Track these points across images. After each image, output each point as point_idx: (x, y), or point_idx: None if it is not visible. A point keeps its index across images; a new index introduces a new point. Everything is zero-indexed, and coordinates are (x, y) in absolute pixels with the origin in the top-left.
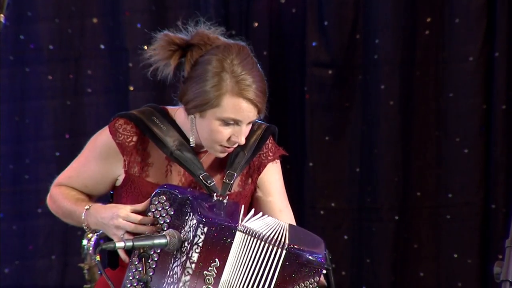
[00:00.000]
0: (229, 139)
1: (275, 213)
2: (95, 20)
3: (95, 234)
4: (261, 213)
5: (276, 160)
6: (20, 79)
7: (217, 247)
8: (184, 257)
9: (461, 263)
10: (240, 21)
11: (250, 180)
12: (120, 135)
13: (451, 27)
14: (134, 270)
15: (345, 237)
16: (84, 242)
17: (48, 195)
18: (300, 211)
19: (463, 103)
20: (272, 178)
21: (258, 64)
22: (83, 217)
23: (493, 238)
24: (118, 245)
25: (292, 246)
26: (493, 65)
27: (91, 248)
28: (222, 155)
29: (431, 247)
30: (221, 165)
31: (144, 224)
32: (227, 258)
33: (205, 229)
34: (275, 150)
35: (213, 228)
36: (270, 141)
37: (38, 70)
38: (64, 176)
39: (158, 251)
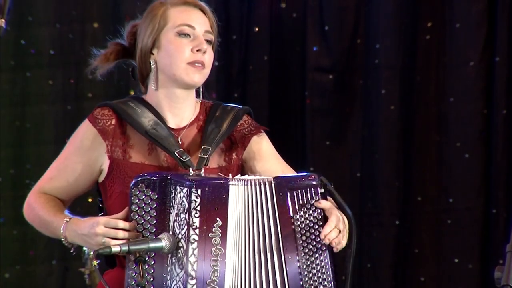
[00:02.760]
0: (191, 51)
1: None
2: (96, 25)
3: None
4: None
5: (259, 133)
6: (21, 83)
7: (215, 207)
8: (186, 227)
9: (462, 267)
10: (241, 25)
11: (234, 155)
12: (99, 121)
13: (451, 32)
14: (132, 275)
15: (346, 241)
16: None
17: (26, 202)
18: None
19: (464, 108)
20: (263, 147)
21: None
22: (61, 230)
23: (494, 243)
24: (114, 249)
25: (276, 177)
26: (493, 70)
27: (91, 253)
28: (195, 78)
29: (432, 252)
30: (198, 142)
31: (127, 230)
32: (227, 214)
33: (199, 191)
34: (256, 125)
35: (207, 188)
36: (248, 117)
37: (38, 74)
38: (44, 179)
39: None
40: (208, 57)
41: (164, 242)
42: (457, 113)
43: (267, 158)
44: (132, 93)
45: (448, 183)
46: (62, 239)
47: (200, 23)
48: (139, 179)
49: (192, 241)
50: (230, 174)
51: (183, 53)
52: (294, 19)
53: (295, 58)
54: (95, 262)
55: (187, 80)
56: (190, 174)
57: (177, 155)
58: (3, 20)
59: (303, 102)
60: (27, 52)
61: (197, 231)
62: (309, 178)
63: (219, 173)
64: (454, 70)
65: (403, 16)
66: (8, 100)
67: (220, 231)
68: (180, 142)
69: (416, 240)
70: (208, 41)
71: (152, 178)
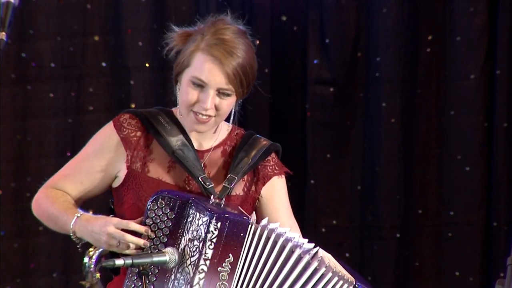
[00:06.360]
0: (197, 102)
1: None
2: (96, 38)
3: (97, 251)
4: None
5: (281, 175)
6: (22, 97)
7: (230, 242)
8: (197, 255)
9: (463, 281)
10: None
11: (254, 188)
12: (124, 129)
13: (452, 45)
14: (131, 286)
15: (347, 255)
16: (86, 260)
17: (35, 197)
18: (301, 229)
19: (465, 121)
20: (279, 193)
21: (252, 47)
22: (71, 225)
23: (495, 256)
24: (117, 262)
25: (358, 284)
26: (494, 83)
27: (92, 266)
28: (198, 128)
29: (433, 265)
30: (223, 166)
31: (138, 235)
32: (240, 253)
33: (219, 224)
34: (281, 166)
35: (227, 223)
36: (275, 156)
37: (39, 88)
38: (58, 176)
39: (158, 268)
40: (224, 109)
41: (168, 257)
42: (458, 126)
43: (278, 207)
44: (133, 106)
45: (449, 196)
46: (71, 234)
47: (213, 81)
48: (161, 194)
49: (201, 271)
50: (241, 210)
51: (188, 99)
52: (295, 32)
53: (296, 71)
54: (98, 275)
55: (190, 127)
56: (211, 202)
57: (201, 180)
58: (4, 33)
59: (304, 115)
60: (28, 65)
61: (207, 262)
62: None
63: (240, 207)
64: (454, 83)
65: (404, 29)
66: (9, 114)
67: (230, 267)
68: (203, 166)
69: (417, 253)
70: (225, 94)
71: (174, 197)
